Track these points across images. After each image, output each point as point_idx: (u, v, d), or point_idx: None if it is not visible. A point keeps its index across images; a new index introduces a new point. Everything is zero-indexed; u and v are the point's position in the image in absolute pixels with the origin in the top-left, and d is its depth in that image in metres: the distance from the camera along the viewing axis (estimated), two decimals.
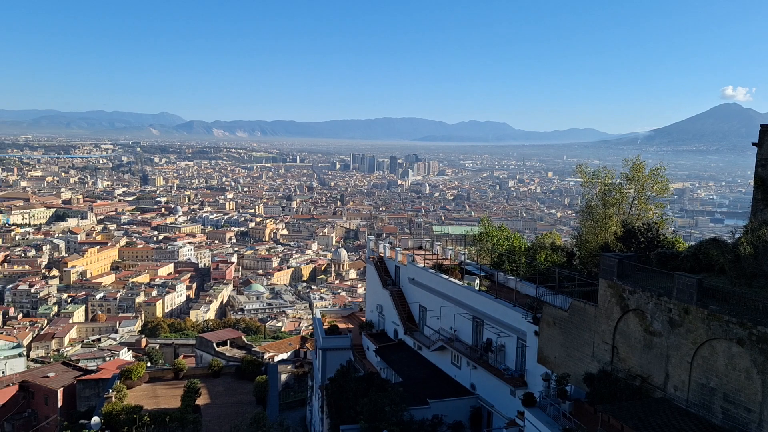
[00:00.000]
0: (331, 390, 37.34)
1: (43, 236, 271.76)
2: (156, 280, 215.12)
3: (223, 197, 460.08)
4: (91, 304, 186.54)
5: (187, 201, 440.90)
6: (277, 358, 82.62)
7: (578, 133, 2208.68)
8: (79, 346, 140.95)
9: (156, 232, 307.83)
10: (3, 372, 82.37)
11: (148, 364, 67.19)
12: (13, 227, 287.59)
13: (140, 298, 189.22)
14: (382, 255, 54.40)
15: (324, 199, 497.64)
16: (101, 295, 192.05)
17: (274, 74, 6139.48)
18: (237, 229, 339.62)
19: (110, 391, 49.88)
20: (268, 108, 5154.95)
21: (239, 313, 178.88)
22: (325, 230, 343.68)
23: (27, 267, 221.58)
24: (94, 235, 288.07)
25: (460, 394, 37.51)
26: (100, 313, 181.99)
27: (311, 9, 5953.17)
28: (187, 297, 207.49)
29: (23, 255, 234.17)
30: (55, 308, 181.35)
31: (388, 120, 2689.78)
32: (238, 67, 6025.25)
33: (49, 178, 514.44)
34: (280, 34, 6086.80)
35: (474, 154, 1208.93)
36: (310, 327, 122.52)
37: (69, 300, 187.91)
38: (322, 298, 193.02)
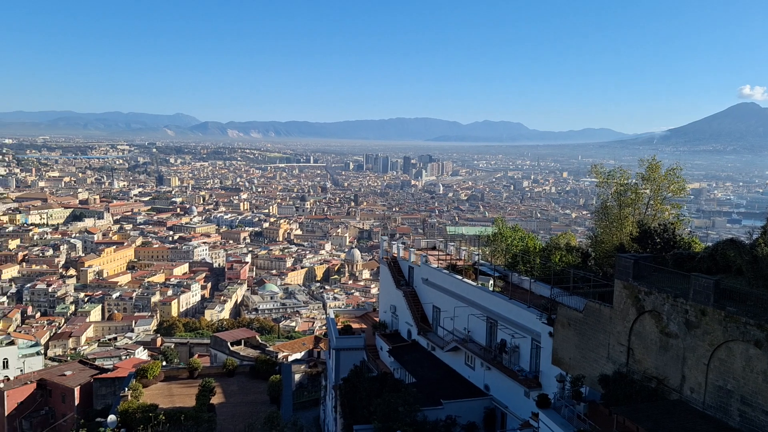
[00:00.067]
0: (345, 390, 37.40)
1: (60, 236, 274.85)
2: (171, 279, 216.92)
3: (237, 197, 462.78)
4: (108, 303, 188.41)
5: (202, 201, 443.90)
6: (290, 358, 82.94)
7: (593, 132, 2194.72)
8: (96, 344, 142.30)
9: (171, 232, 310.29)
10: (21, 370, 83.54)
11: (164, 363, 67.75)
12: (31, 227, 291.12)
13: (156, 298, 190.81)
14: (395, 255, 54.40)
15: (337, 199, 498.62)
16: (117, 294, 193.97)
17: (288, 75, 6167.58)
18: (251, 229, 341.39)
19: (126, 389, 50.24)
20: (282, 109, 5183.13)
21: (253, 312, 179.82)
22: (339, 230, 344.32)
23: (45, 266, 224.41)
24: (110, 235, 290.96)
25: (474, 395, 37.38)
26: (116, 312, 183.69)
27: (324, 10, 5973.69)
28: (202, 297, 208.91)
29: (41, 255, 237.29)
30: (72, 307, 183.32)
31: (401, 120, 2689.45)
32: (252, 68, 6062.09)
33: (67, 179, 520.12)
34: (293, 36, 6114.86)
35: (488, 154, 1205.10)
36: (324, 327, 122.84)
37: (86, 299, 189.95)
38: (335, 299, 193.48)
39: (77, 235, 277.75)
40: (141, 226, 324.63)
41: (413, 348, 46.41)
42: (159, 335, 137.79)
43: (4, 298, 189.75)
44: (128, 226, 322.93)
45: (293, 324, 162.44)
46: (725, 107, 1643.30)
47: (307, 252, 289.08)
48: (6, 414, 63.17)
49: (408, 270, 51.48)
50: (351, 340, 50.13)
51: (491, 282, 40.74)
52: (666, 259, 29.10)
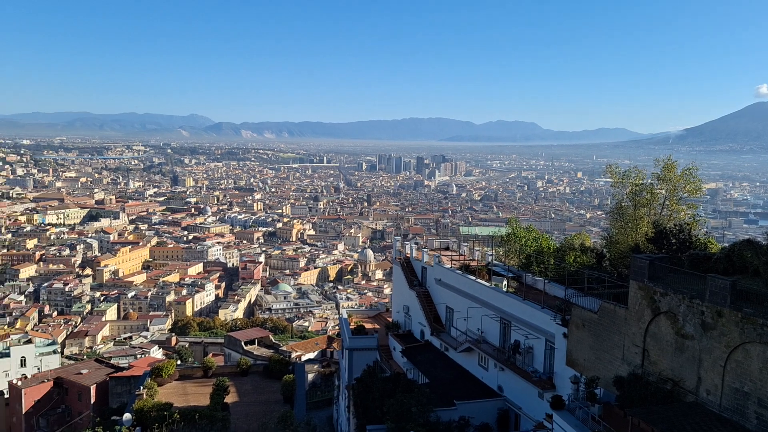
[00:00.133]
0: (358, 390, 37.45)
1: (77, 236, 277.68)
2: (186, 279, 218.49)
3: (251, 198, 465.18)
4: (123, 302, 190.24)
5: (216, 201, 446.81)
6: (304, 358, 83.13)
7: (608, 132, 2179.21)
8: (112, 343, 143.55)
9: (186, 232, 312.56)
10: (38, 368, 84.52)
11: (178, 362, 68.11)
12: (48, 227, 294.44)
13: (170, 297, 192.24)
14: (408, 256, 54.36)
15: (350, 199, 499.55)
16: (133, 293, 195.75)
17: (302, 76, 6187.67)
18: (264, 229, 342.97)
19: (141, 388, 50.77)
20: (296, 109, 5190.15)
21: (267, 312, 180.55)
22: (352, 231, 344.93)
23: (61, 266, 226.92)
24: (126, 234, 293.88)
25: (488, 395, 37.27)
26: (131, 311, 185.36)
27: (337, 11, 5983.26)
28: (216, 296, 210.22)
29: (58, 254, 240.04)
30: (89, 306, 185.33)
31: (414, 120, 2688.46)
32: (266, 69, 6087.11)
33: (83, 179, 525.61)
34: (307, 36, 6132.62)
35: (502, 154, 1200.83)
36: (337, 327, 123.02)
37: (102, 298, 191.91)
38: (348, 299, 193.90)
39: (93, 234, 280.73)
40: (156, 226, 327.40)
41: (426, 348, 46.35)
42: (174, 334, 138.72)
43: (22, 297, 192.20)
44: (143, 226, 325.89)
45: (306, 324, 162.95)
46: (742, 106, 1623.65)
47: (320, 252, 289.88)
48: (24, 412, 64.00)
49: (421, 270, 51.42)
50: (364, 340, 50.12)
51: (505, 282, 40.57)
52: (682, 259, 28.82)
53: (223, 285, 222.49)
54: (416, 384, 37.28)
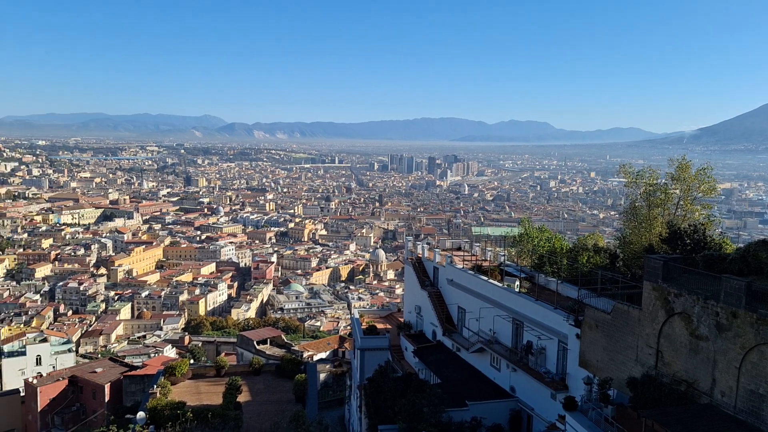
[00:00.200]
0: (370, 390, 37.48)
1: (91, 236, 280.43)
2: (199, 279, 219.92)
3: (263, 198, 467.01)
4: (137, 301, 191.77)
5: (228, 201, 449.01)
6: (315, 357, 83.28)
7: (622, 132, 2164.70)
8: (126, 342, 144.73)
9: (199, 232, 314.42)
10: (54, 367, 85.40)
11: (191, 361, 68.52)
12: (63, 227, 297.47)
13: (183, 297, 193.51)
14: (420, 256, 54.32)
15: (362, 199, 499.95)
16: (146, 293, 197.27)
17: (314, 76, 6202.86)
18: (277, 229, 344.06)
19: (155, 386, 51.08)
20: (307, 109, 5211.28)
21: (279, 312, 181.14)
22: (364, 231, 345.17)
23: (76, 265, 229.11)
24: (140, 234, 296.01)
25: (500, 396, 37.18)
26: (145, 310, 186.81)
27: (348, 11, 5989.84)
28: (229, 296, 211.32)
29: (73, 254, 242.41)
30: (103, 305, 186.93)
31: (426, 120, 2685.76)
32: (278, 69, 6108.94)
33: (98, 179, 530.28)
34: (319, 37, 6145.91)
35: (514, 154, 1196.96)
36: (348, 327, 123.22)
37: (116, 297, 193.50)
38: (360, 299, 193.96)
39: (108, 234, 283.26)
40: (169, 226, 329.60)
41: (438, 349, 46.29)
42: (187, 333, 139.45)
43: (38, 297, 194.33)
44: (157, 226, 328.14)
45: (318, 324, 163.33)
46: (757, 105, 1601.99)
47: (332, 252, 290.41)
48: (39, 410, 64.68)
49: (433, 270, 51.37)
50: (376, 340, 50.12)
51: (517, 283, 40.45)
52: (696, 260, 28.59)
53: (235, 285, 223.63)
54: (428, 384, 37.25)
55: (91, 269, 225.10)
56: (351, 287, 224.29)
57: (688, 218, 36.89)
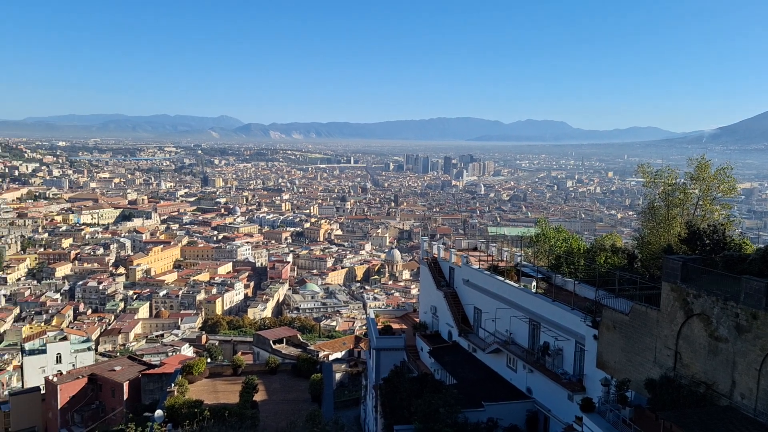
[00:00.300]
0: (385, 390, 37.49)
1: (110, 235, 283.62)
2: (215, 278, 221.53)
3: (279, 198, 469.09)
4: (155, 300, 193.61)
5: (245, 202, 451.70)
6: (331, 357, 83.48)
7: (640, 131, 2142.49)
8: (144, 341, 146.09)
9: (216, 232, 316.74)
10: (73, 365, 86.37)
11: (208, 360, 68.96)
12: (83, 227, 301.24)
13: (201, 296, 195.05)
14: (435, 256, 54.23)
15: (378, 199, 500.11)
16: (164, 292, 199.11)
17: (330, 76, 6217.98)
18: (292, 229, 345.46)
19: (173, 385, 51.52)
20: (323, 110, 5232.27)
21: (294, 311, 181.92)
22: (379, 231, 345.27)
23: (96, 265, 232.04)
24: (158, 234, 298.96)
25: (516, 397, 37.02)
26: (163, 309, 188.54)
27: (365, 11, 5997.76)
28: (245, 295, 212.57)
29: (92, 253, 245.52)
30: (122, 304, 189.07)
31: (442, 120, 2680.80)
32: (294, 70, 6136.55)
33: (117, 180, 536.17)
34: (334, 38, 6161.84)
35: (531, 153, 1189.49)
36: (364, 327, 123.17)
37: (134, 297, 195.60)
38: (375, 299, 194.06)
39: (126, 234, 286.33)
40: (187, 226, 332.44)
41: (454, 349, 46.21)
42: (204, 332, 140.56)
43: (58, 295, 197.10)
44: (175, 226, 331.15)
45: (334, 323, 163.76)
46: None
47: (348, 252, 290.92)
48: (59, 407, 65.45)
49: (449, 271, 51.26)
50: (391, 340, 50.15)
51: (534, 284, 40.26)
52: (716, 261, 28.27)
53: (251, 284, 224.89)
54: (444, 385, 37.20)
55: (110, 269, 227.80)
56: (366, 287, 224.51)
57: (708, 218, 36.50)
